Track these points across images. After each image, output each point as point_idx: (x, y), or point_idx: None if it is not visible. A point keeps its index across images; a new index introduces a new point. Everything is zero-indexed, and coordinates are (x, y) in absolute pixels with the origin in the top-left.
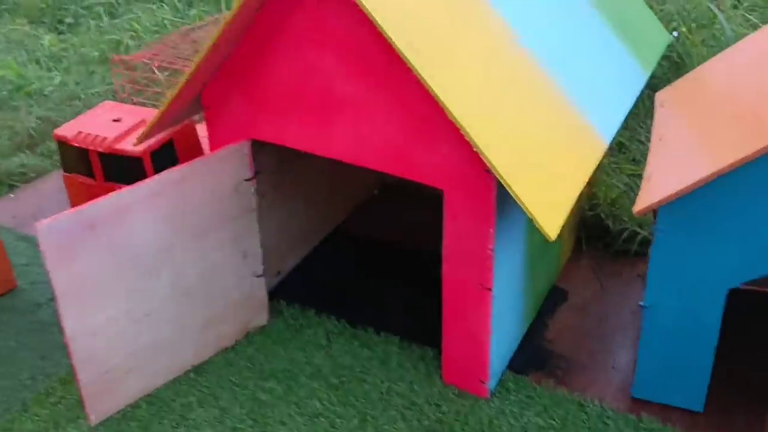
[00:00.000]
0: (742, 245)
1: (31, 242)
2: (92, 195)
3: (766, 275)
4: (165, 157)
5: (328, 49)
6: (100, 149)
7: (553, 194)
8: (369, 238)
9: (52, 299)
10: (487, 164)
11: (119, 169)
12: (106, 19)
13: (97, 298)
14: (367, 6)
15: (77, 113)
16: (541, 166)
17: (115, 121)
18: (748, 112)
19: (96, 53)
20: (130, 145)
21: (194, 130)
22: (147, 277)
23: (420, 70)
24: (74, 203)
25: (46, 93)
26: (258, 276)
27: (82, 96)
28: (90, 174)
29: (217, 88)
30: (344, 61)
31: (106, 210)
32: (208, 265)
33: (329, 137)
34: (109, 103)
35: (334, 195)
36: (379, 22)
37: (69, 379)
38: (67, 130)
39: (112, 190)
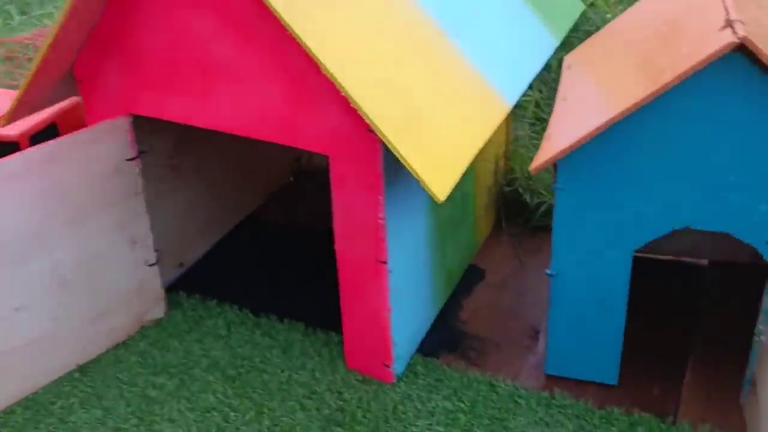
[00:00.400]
0: (644, 199)
1: None
2: None
3: (668, 233)
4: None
5: (201, 10)
6: None
7: (445, 154)
8: (281, 224)
9: None
10: (369, 123)
11: None
12: (17, 17)
13: None
14: None
15: None
16: (432, 126)
17: None
18: (646, 61)
19: (1, 50)
20: (5, 130)
21: (81, 112)
22: (15, 266)
23: (292, 25)
24: None
25: None
26: (150, 265)
27: None
28: None
29: (88, 60)
30: (219, 22)
31: None
32: (90, 252)
33: (209, 107)
34: None
35: (244, 182)
36: None
37: None
38: None
39: None
